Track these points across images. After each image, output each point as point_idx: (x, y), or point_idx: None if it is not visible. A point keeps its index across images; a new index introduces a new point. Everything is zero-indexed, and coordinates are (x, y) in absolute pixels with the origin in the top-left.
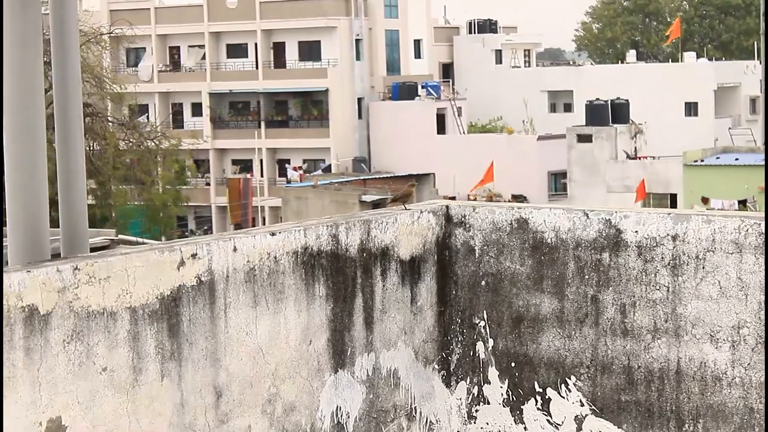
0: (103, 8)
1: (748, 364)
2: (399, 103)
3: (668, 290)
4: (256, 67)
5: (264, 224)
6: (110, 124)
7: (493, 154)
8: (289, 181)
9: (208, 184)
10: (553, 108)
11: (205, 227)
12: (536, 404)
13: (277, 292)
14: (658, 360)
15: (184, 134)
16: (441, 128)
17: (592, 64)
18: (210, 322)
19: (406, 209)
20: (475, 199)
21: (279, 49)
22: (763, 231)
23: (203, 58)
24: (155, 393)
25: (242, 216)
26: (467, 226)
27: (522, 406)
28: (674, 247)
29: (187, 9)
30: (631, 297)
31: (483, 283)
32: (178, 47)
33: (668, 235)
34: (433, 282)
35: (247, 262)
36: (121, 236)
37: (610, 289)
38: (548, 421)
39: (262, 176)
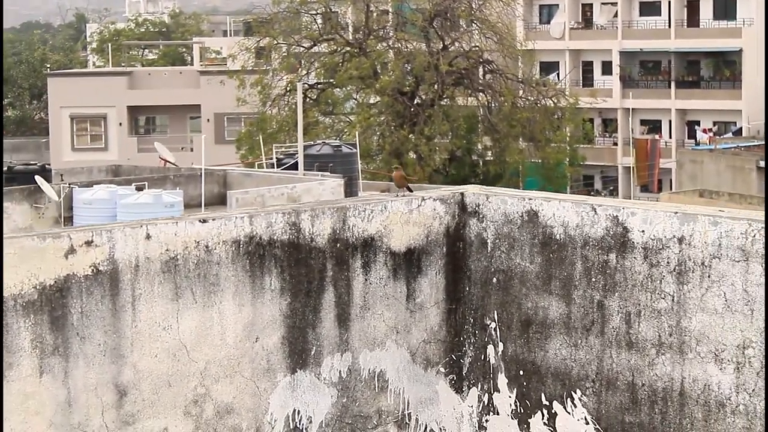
0: None
1: (753, 390)
2: None
3: (673, 300)
4: (669, 26)
5: (670, 188)
6: (509, 81)
7: None
8: (697, 143)
9: (615, 144)
10: None
11: (611, 188)
12: (543, 418)
13: (208, 284)
14: (662, 378)
15: (581, 93)
16: None
17: None
18: (111, 315)
19: (399, 196)
20: None
21: (693, 7)
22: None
23: (615, 15)
24: (30, 390)
25: (649, 177)
26: (480, 216)
27: (529, 420)
28: (680, 251)
29: None
30: (637, 305)
31: (494, 280)
32: (591, 4)
33: (674, 236)
34: (440, 277)
35: (166, 251)
36: None
37: (616, 294)
38: None
39: (670, 137)
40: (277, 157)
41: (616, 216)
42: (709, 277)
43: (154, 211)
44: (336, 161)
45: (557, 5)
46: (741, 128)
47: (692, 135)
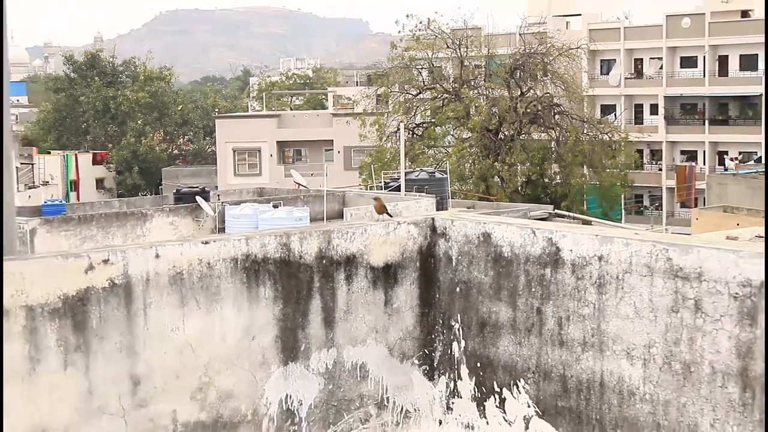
0: (584, 28)
1: (656, 381)
2: None
3: (595, 307)
4: (704, 76)
5: (704, 204)
6: (574, 120)
7: None
8: (726, 169)
9: (660, 169)
10: None
11: (656, 204)
12: (495, 402)
13: (210, 294)
14: (586, 371)
15: (633, 129)
16: None
17: None
18: (126, 320)
19: (379, 220)
20: None
21: (723, 60)
22: (670, 257)
23: (661, 67)
24: (57, 381)
25: (687, 196)
26: (447, 237)
27: (485, 403)
28: (600, 267)
29: (650, 28)
30: (566, 311)
31: (458, 289)
32: (642, 59)
33: (595, 255)
34: (413, 287)
35: (173, 267)
36: (557, 211)
37: (551, 302)
38: (504, 418)
39: (704, 164)
40: (384, 181)
41: (551, 238)
42: (622, 288)
43: (286, 224)
44: (430, 184)
45: (614, 60)
46: (761, 157)
47: (722, 162)
